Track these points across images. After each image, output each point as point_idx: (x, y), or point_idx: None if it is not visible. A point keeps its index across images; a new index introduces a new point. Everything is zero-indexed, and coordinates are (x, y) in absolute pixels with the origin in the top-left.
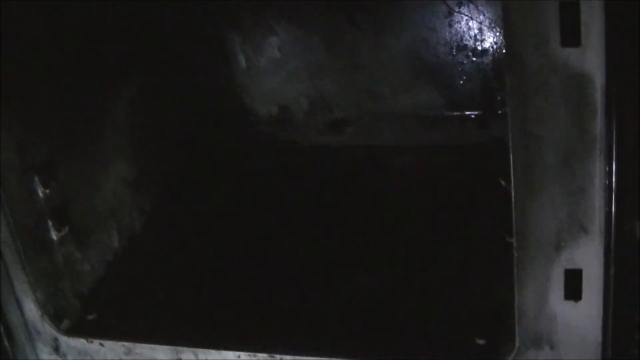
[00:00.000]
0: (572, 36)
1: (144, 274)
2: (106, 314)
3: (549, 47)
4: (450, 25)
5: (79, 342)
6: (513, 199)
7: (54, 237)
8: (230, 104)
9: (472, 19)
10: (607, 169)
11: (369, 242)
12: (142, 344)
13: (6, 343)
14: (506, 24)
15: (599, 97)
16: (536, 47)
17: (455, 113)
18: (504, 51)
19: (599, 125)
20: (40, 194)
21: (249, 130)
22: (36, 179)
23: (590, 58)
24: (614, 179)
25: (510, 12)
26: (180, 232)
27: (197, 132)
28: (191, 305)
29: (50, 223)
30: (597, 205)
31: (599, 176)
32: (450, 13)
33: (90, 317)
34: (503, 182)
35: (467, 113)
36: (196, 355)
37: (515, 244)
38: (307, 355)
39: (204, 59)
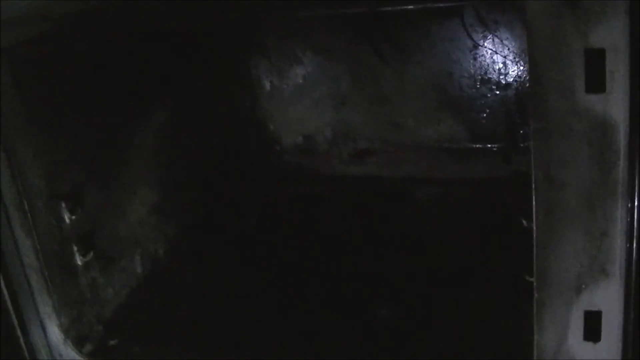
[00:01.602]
0: (597, 82)
1: (167, 301)
2: (129, 339)
3: (574, 93)
4: (475, 59)
5: None
6: (535, 240)
7: (79, 263)
8: (255, 133)
9: (496, 52)
10: (629, 213)
11: (388, 274)
12: None
13: None
14: (532, 68)
15: (621, 142)
16: (562, 92)
17: (478, 146)
18: (527, 86)
19: (621, 170)
20: (67, 220)
21: (273, 158)
22: (63, 205)
23: (615, 104)
24: (635, 224)
25: (536, 56)
26: (203, 259)
27: (221, 160)
28: (214, 332)
29: (75, 249)
30: (618, 249)
31: (621, 220)
32: (475, 47)
33: (112, 342)
34: (525, 222)
35: (491, 146)
36: None
37: (535, 284)
38: None
39: (230, 87)
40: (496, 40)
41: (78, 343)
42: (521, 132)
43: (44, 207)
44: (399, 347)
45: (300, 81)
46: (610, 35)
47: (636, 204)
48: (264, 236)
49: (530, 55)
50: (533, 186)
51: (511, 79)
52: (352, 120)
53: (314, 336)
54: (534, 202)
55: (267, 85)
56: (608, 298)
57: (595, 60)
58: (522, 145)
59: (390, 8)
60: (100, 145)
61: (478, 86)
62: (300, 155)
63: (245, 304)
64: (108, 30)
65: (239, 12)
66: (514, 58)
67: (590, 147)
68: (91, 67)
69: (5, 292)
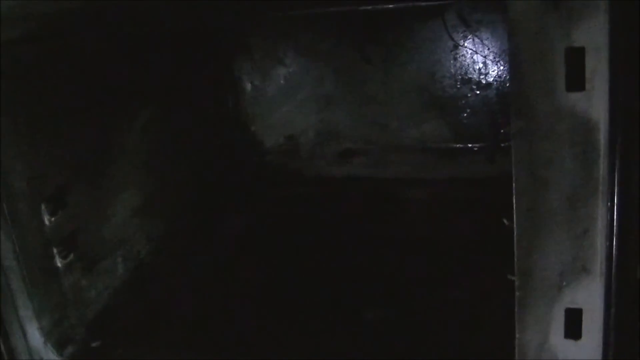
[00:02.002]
0: (577, 81)
1: (150, 302)
2: (111, 341)
3: (555, 92)
4: (456, 59)
5: None
6: (515, 239)
7: (59, 265)
8: (239, 134)
9: (476, 52)
10: (610, 211)
11: (375, 275)
12: None
13: None
14: (513, 67)
15: (602, 141)
16: (543, 91)
17: (461, 145)
18: (507, 85)
19: (602, 169)
20: (47, 222)
21: (257, 160)
22: (43, 207)
23: (595, 103)
24: (615, 222)
25: (518, 55)
26: (187, 260)
27: (206, 161)
28: (197, 334)
29: (55, 251)
30: (599, 247)
31: (602, 219)
32: (456, 47)
33: (94, 344)
34: (506, 221)
35: (473, 145)
36: None
37: (517, 283)
38: None
39: (213, 88)
40: (476, 40)
41: (59, 346)
42: (502, 131)
43: (24, 209)
44: (387, 346)
45: (284, 82)
46: (591, 35)
47: (616, 202)
48: (248, 238)
49: (512, 54)
50: (514, 185)
51: (491, 79)
52: (336, 121)
53: (300, 337)
54: (514, 201)
55: (251, 86)
56: (589, 296)
57: (575, 59)
58: (504, 144)
59: (370, 7)
60: (84, 147)
61: (459, 86)
62: (284, 155)
63: (231, 305)
64: (90, 32)
65: (223, 13)
66: (494, 58)
67: (571, 145)
68: (75, 68)
69: None
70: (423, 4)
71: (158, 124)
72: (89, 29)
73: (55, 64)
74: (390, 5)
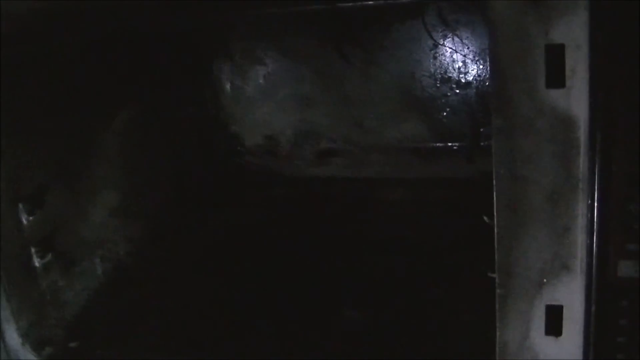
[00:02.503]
0: (557, 78)
1: (129, 303)
2: (90, 342)
3: (535, 89)
4: (435, 58)
5: None
6: (496, 237)
7: (37, 265)
8: (219, 134)
9: (456, 51)
10: (590, 209)
11: (355, 275)
12: None
13: None
14: (493, 65)
15: (582, 138)
16: (523, 88)
17: (441, 144)
18: (487, 84)
19: (582, 166)
20: (25, 222)
21: (237, 160)
22: (21, 207)
23: (575, 100)
24: (595, 219)
25: (498, 53)
26: (167, 261)
27: (186, 162)
28: (176, 336)
29: (33, 250)
30: (579, 244)
31: (582, 216)
32: (435, 46)
33: (72, 345)
34: (487, 219)
35: (453, 145)
36: None
37: (497, 280)
38: None
39: (193, 88)
40: (456, 39)
41: (37, 346)
42: (481, 130)
43: (1, 209)
44: (366, 346)
45: (264, 82)
46: (571, 31)
47: (596, 199)
48: (228, 239)
49: (491, 51)
50: (494, 183)
51: (471, 78)
52: (316, 121)
53: (280, 337)
54: (494, 199)
55: (231, 85)
56: (569, 293)
57: (555, 56)
58: (484, 143)
59: (350, 4)
60: (62, 147)
61: (438, 85)
62: (264, 155)
63: (210, 305)
64: (65, 33)
65: (201, 12)
66: (474, 57)
67: (551, 143)
68: (52, 68)
69: None
70: (404, 0)
71: (137, 124)
72: (63, 29)
73: (33, 64)
74: (370, 2)
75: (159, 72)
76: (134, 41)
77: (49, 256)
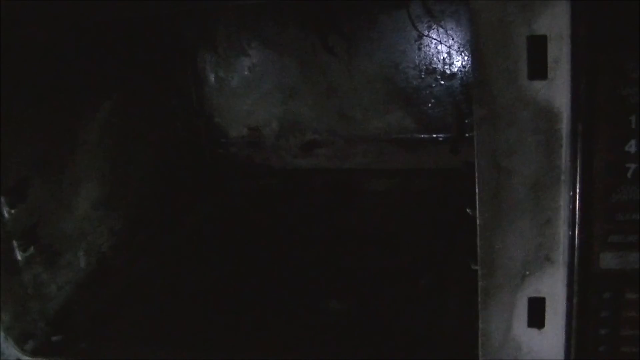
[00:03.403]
0: (539, 69)
1: (113, 296)
2: (73, 336)
3: (517, 80)
4: (420, 49)
5: None
6: (478, 229)
7: (19, 258)
8: (203, 126)
9: (441, 42)
10: (572, 200)
11: (339, 266)
12: None
13: None
14: (475, 56)
15: (564, 129)
16: (505, 79)
17: (426, 136)
18: (472, 75)
19: (564, 157)
20: (6, 215)
21: (222, 151)
22: (2, 200)
23: (558, 91)
24: (577, 211)
25: (480, 44)
26: (151, 254)
27: (169, 153)
28: (160, 329)
29: (15, 244)
30: (562, 236)
31: (564, 208)
32: (420, 37)
33: (56, 338)
34: (469, 211)
35: (438, 136)
36: None
37: (480, 272)
38: None
39: (176, 79)
40: (440, 30)
41: (20, 340)
42: (466, 121)
43: None
44: (350, 337)
45: (248, 73)
46: (553, 22)
47: (578, 191)
48: (212, 231)
49: (473, 43)
50: (477, 174)
51: (456, 69)
52: (301, 112)
53: (263, 329)
54: (477, 191)
55: (215, 77)
56: (552, 284)
57: (537, 47)
58: (469, 134)
59: None
60: (44, 139)
61: (423, 76)
62: (248, 147)
63: (194, 298)
64: (47, 21)
65: (184, 2)
66: (458, 48)
67: (533, 134)
68: (32, 59)
69: None
70: None
71: (120, 115)
72: (40, 18)
73: (11, 56)
74: None
75: (142, 63)
76: (117, 31)
77: (32, 249)
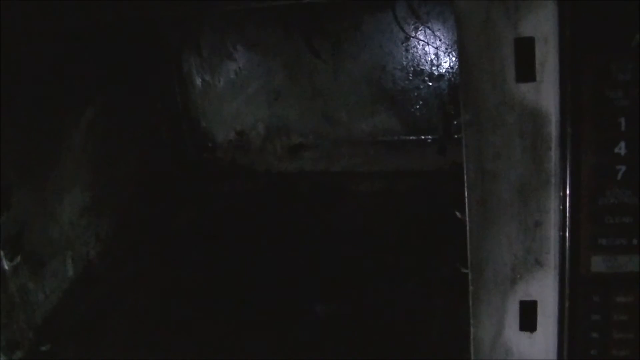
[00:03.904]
0: (526, 71)
1: (100, 304)
2: (61, 344)
3: (505, 83)
4: (407, 51)
5: None
6: (468, 232)
7: (6, 267)
8: (188, 129)
9: (428, 44)
10: (561, 203)
11: (327, 269)
12: None
13: None
14: (462, 59)
15: (553, 132)
16: (492, 82)
17: (413, 138)
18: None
19: (553, 160)
20: None
21: (207, 155)
22: None
23: (545, 94)
24: (567, 214)
25: (466, 46)
26: (138, 259)
27: (155, 158)
28: (147, 335)
29: (2, 253)
30: (552, 239)
31: (554, 211)
32: (407, 38)
33: (44, 348)
34: (458, 214)
35: (425, 137)
36: None
37: (470, 277)
38: None
39: (161, 83)
40: (428, 31)
41: (7, 350)
42: (455, 122)
43: None
44: (337, 343)
45: (234, 76)
46: (540, 24)
47: (568, 194)
48: (199, 235)
49: (460, 45)
50: (465, 178)
51: (443, 70)
52: (286, 115)
53: (251, 331)
54: (466, 194)
55: (201, 81)
56: (543, 288)
57: (525, 49)
58: (457, 136)
59: None
60: (28, 146)
61: (411, 78)
62: (235, 151)
63: (180, 303)
64: (28, 24)
65: (169, 6)
66: (446, 49)
67: (522, 137)
68: (16, 64)
69: None
70: None
71: (104, 121)
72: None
73: None
74: None
75: (126, 67)
76: (100, 35)
77: (18, 258)
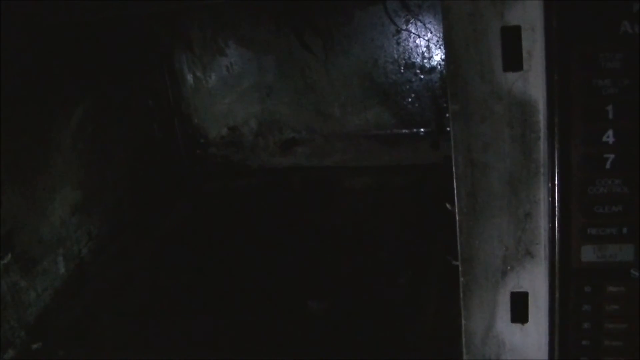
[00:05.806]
0: (513, 60)
1: (92, 302)
2: (53, 343)
3: (492, 73)
4: (398, 44)
5: None
6: (458, 224)
7: None
8: (180, 126)
9: (419, 36)
10: (550, 194)
11: (320, 265)
12: None
13: None
14: (449, 49)
15: (541, 122)
16: (479, 72)
17: (406, 131)
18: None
19: (542, 150)
20: None
21: (200, 152)
22: None
23: (533, 83)
24: (557, 205)
25: (453, 36)
26: (130, 257)
27: (148, 156)
28: (139, 334)
29: None
30: (542, 230)
31: (544, 201)
32: (398, 31)
33: (35, 346)
34: (449, 206)
35: (418, 131)
36: None
37: (461, 269)
38: None
39: (152, 80)
40: (419, 23)
41: None
42: (447, 115)
43: None
44: (331, 339)
45: (226, 72)
46: (526, 12)
47: (557, 184)
48: (192, 232)
49: (446, 36)
50: (454, 170)
51: (435, 63)
52: (278, 110)
53: (244, 330)
54: (455, 186)
55: (193, 77)
56: (533, 279)
57: (512, 38)
58: (449, 129)
59: None
60: (17, 145)
61: (402, 71)
62: (227, 147)
63: (173, 302)
64: (17, 22)
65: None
66: (437, 41)
67: (511, 127)
68: (5, 62)
69: None
70: None
71: (95, 119)
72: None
73: None
74: None
75: (116, 65)
76: (90, 32)
77: (9, 257)
